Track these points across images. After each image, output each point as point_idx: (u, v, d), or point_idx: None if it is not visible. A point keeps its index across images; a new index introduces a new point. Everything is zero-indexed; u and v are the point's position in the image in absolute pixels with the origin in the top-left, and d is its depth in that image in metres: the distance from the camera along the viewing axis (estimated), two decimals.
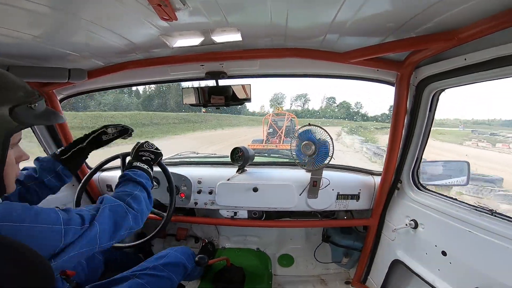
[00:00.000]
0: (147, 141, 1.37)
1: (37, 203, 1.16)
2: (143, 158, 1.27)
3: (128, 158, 1.39)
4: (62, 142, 1.84)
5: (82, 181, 1.67)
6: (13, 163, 0.79)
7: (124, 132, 1.41)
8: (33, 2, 0.79)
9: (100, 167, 1.72)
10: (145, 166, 1.22)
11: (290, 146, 1.75)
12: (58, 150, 1.27)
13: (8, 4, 0.80)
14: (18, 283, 0.57)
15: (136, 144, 1.35)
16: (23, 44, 1.12)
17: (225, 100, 1.63)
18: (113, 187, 2.06)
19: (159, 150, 1.38)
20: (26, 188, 1.12)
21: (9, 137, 0.72)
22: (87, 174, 1.69)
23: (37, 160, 1.22)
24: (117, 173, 2.04)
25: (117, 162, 1.73)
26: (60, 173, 1.23)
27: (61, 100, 1.82)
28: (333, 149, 1.62)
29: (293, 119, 13.75)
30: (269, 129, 12.83)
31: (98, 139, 1.34)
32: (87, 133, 1.34)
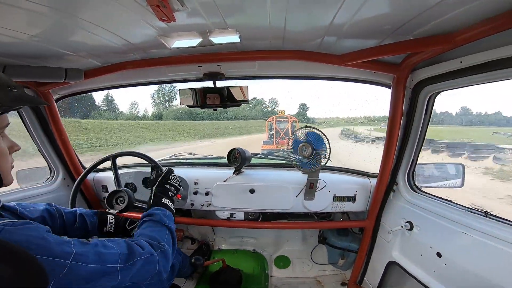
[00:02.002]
0: (173, 172, 1.36)
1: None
2: (169, 193, 1.28)
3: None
4: (54, 133, 1.81)
5: (77, 182, 1.66)
6: (6, 153, 0.80)
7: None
8: (31, 2, 0.79)
9: (94, 167, 1.71)
10: (171, 206, 1.22)
11: (287, 147, 1.75)
12: (107, 229, 1.28)
13: (5, 4, 0.79)
14: (14, 284, 0.56)
15: (161, 172, 1.34)
16: (20, 43, 1.11)
17: (222, 102, 1.63)
18: (108, 188, 2.05)
19: (181, 186, 1.39)
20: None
21: None
22: (81, 175, 1.68)
23: (81, 215, 1.23)
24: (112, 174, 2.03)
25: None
26: (88, 237, 1.21)
27: (57, 100, 1.81)
28: (329, 151, 1.63)
29: (294, 121, 14.50)
30: (271, 131, 13.76)
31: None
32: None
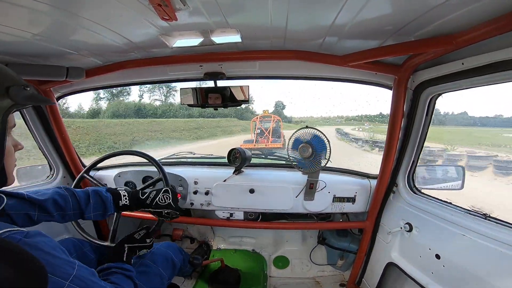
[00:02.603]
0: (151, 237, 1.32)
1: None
2: (137, 251, 1.25)
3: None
4: (55, 131, 1.81)
5: (76, 179, 1.66)
6: (12, 152, 0.82)
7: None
8: (33, 0, 0.79)
9: (94, 165, 1.71)
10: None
11: (287, 148, 1.75)
12: (123, 202, 1.30)
13: (8, 2, 0.79)
14: (15, 283, 0.56)
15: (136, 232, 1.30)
16: (22, 42, 1.11)
17: (223, 101, 1.62)
18: (108, 186, 2.05)
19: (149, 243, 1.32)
20: (62, 214, 1.15)
21: (7, 116, 0.74)
22: (81, 173, 1.68)
23: (96, 194, 1.25)
24: (112, 172, 2.04)
25: (111, 161, 1.73)
26: (105, 215, 1.28)
27: (58, 98, 1.81)
28: (330, 152, 1.63)
29: (278, 121, 14.98)
30: (257, 130, 14.04)
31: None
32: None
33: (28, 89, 0.81)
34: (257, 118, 14.93)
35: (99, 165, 1.75)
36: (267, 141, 13.04)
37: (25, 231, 0.69)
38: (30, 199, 1.04)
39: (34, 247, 0.66)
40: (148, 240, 1.31)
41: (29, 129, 1.76)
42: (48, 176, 1.96)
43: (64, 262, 0.71)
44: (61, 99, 1.90)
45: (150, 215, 1.53)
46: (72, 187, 1.59)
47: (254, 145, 12.89)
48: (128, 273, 1.06)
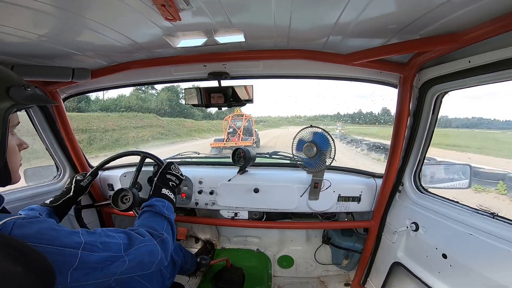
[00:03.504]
0: (174, 163, 1.40)
1: None
2: (170, 183, 1.31)
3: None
4: (61, 132, 1.84)
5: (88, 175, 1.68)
6: (16, 151, 0.83)
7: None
8: (38, 2, 0.80)
9: (102, 166, 1.72)
10: (172, 196, 1.25)
11: (292, 148, 1.74)
12: (48, 201, 1.37)
13: (13, 3, 0.80)
14: (23, 281, 0.57)
15: (162, 164, 1.39)
16: (27, 43, 1.13)
17: (227, 101, 1.63)
18: (114, 186, 2.07)
19: (183, 176, 1.42)
20: None
21: (8, 116, 0.75)
22: (88, 173, 1.70)
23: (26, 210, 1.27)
24: (118, 172, 2.05)
25: (117, 161, 1.74)
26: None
27: (64, 99, 1.83)
28: (335, 151, 1.62)
29: (250, 119, 15.06)
30: (229, 129, 14.19)
31: (80, 187, 1.48)
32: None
33: (29, 89, 0.82)
34: (229, 117, 15.01)
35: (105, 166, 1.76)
36: (238, 139, 13.17)
37: (22, 216, 0.70)
38: None
39: (37, 226, 0.68)
40: (163, 164, 1.40)
41: (35, 130, 1.78)
42: (55, 177, 1.98)
43: (68, 233, 0.73)
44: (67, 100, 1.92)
45: None
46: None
47: (224, 144, 13.03)
48: (153, 209, 1.11)
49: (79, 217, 1.58)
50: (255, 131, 15.09)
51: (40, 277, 0.58)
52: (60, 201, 1.37)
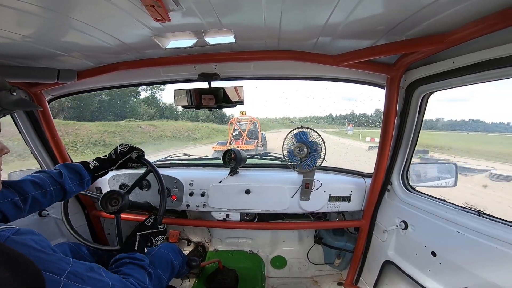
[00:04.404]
0: (167, 231, 1.37)
1: (48, 206, 1.23)
2: (148, 242, 1.31)
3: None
4: (46, 135, 1.79)
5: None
6: None
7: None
8: (22, 2, 0.78)
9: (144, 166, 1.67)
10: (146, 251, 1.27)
11: (283, 149, 1.75)
12: (93, 165, 1.40)
13: None
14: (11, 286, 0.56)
15: (158, 228, 1.36)
16: (11, 43, 1.09)
17: (218, 102, 1.62)
18: (102, 189, 2.03)
19: (163, 229, 1.40)
20: (44, 192, 1.15)
21: None
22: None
23: (65, 166, 1.29)
24: (107, 175, 2.00)
25: None
26: (85, 183, 1.35)
27: (49, 101, 1.78)
28: (325, 151, 1.63)
29: (255, 122, 14.79)
30: (234, 132, 13.96)
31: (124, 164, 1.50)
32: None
33: (15, 94, 0.80)
34: (234, 120, 14.66)
35: None
36: (241, 142, 12.84)
37: (16, 228, 0.68)
38: (9, 184, 1.05)
39: (22, 244, 0.65)
40: (160, 226, 1.37)
41: (20, 133, 1.72)
42: None
43: (58, 258, 0.70)
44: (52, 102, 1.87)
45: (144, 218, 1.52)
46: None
47: (227, 146, 12.60)
48: (140, 263, 1.07)
49: (65, 211, 1.58)
50: (261, 134, 14.68)
51: (29, 282, 0.57)
52: (102, 171, 1.43)
